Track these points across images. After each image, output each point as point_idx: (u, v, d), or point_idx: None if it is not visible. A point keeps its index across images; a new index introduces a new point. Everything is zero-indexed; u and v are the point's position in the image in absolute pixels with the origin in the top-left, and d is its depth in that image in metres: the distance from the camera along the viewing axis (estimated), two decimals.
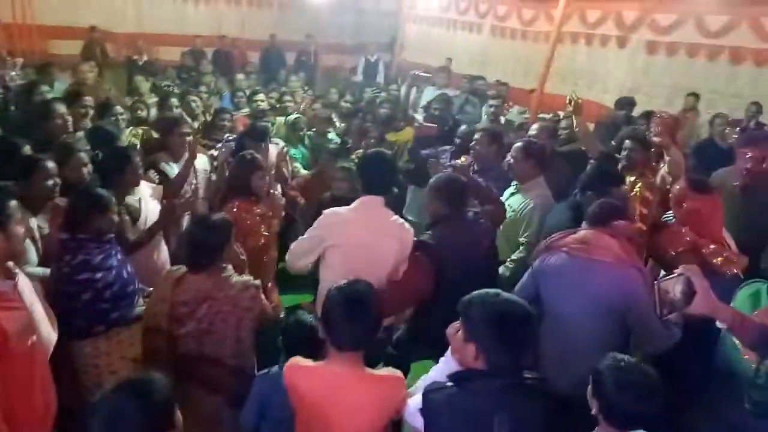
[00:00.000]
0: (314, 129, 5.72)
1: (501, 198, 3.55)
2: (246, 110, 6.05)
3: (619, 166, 4.05)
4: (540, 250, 2.68)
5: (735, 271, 2.60)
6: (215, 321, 2.38)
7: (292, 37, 11.71)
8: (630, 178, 3.96)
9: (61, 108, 3.91)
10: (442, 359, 1.89)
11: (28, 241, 2.74)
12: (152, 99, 6.00)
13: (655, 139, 4.09)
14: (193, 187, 4.01)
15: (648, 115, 5.87)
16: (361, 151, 4.85)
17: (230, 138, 4.66)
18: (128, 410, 1.44)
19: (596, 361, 1.79)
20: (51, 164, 2.92)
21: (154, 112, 5.48)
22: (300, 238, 2.94)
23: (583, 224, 2.64)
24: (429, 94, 7.45)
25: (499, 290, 1.77)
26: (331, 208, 2.86)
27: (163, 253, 3.40)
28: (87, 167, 3.28)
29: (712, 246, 2.66)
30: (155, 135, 4.53)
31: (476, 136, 4.09)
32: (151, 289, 2.77)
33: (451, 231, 2.89)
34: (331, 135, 5.69)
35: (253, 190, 3.39)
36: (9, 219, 1.89)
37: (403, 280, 2.80)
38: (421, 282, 2.80)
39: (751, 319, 1.82)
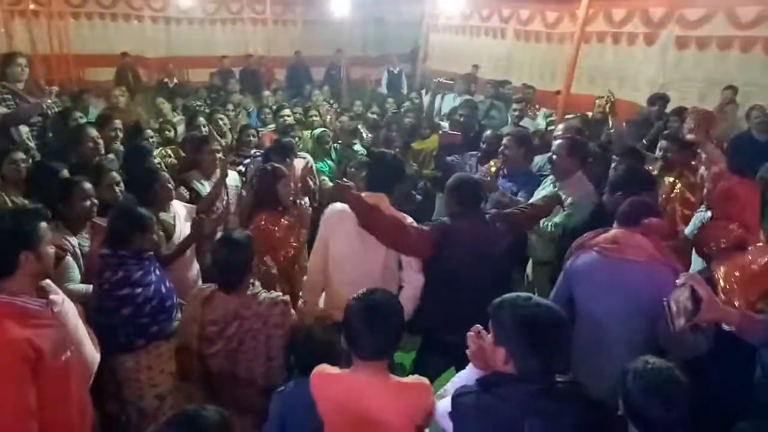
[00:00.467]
0: (340, 141, 5.77)
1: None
2: (272, 126, 6.14)
3: (656, 167, 3.95)
4: (571, 251, 2.64)
5: None
6: (245, 339, 2.37)
7: (317, 52, 11.89)
8: (669, 179, 3.86)
9: (93, 132, 4.06)
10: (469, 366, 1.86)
11: (70, 259, 2.86)
12: (177, 119, 6.13)
13: (689, 136, 3.98)
14: (224, 203, 4.09)
15: (680, 112, 5.73)
16: None
17: (257, 154, 4.74)
18: None
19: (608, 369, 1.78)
20: (88, 185, 3.04)
21: (181, 130, 5.61)
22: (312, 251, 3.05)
23: (615, 224, 2.58)
24: (449, 101, 7.43)
25: (530, 294, 1.74)
26: (331, 206, 2.97)
27: (195, 268, 3.46)
28: (119, 186, 3.38)
29: (759, 243, 2.53)
30: (182, 153, 4.64)
31: (504, 140, 4.03)
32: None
33: (460, 224, 2.87)
34: (357, 147, 5.72)
35: (279, 200, 3.42)
36: (40, 240, 1.96)
37: (400, 224, 2.80)
38: (413, 234, 2.79)
39: (757, 317, 1.81)
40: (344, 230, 2.87)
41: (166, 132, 5.26)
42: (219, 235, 3.77)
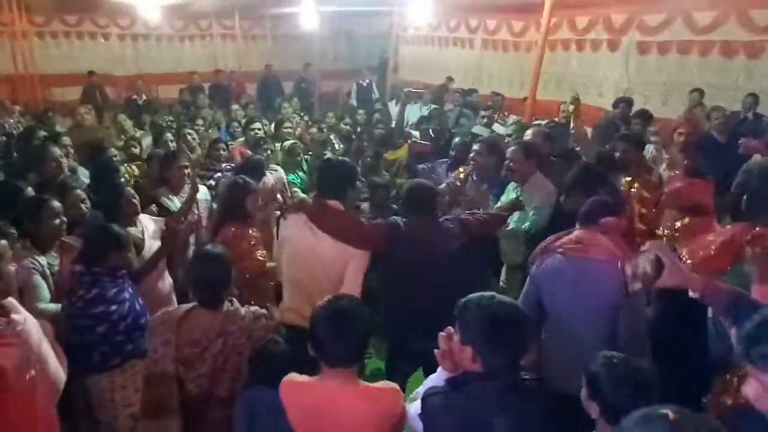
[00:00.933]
0: (311, 153, 5.78)
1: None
2: (242, 139, 6.12)
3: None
4: (536, 255, 2.68)
5: None
6: (230, 356, 2.30)
7: (287, 66, 11.91)
8: (626, 179, 3.95)
9: (56, 151, 4.02)
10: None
11: (39, 279, 2.81)
12: (140, 134, 6.08)
13: (654, 138, 4.10)
14: (195, 217, 4.06)
15: (643, 114, 5.88)
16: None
17: (228, 168, 4.72)
18: None
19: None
20: (57, 204, 3.00)
21: (146, 145, 5.58)
22: None
23: (576, 224, 2.63)
24: (415, 111, 7.52)
25: (494, 293, 1.76)
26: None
27: (167, 281, 3.42)
28: (85, 203, 3.34)
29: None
30: (135, 170, 4.62)
31: (475, 146, 4.09)
32: None
33: (411, 225, 2.92)
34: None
35: (247, 213, 3.42)
36: (0, 259, 1.91)
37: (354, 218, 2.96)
38: (369, 225, 2.95)
39: (721, 285, 1.83)
40: (294, 238, 2.94)
41: (132, 149, 5.21)
42: (192, 249, 3.77)
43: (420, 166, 4.51)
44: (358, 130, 6.64)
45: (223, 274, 2.38)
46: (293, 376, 1.92)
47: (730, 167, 3.38)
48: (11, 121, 5.01)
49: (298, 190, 5.11)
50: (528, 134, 4.61)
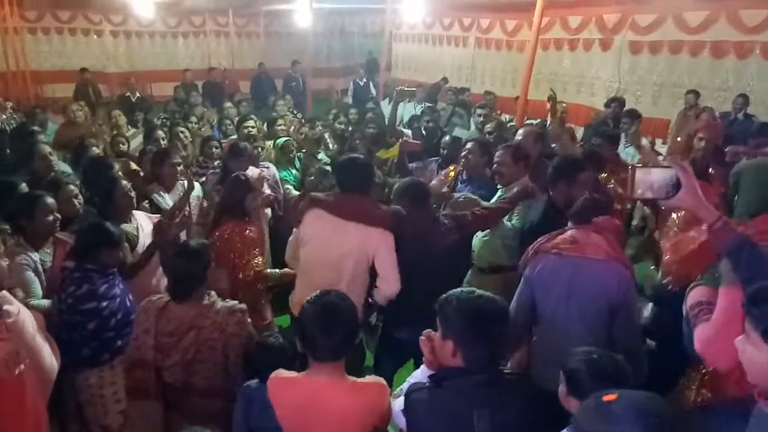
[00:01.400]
0: (304, 150, 5.78)
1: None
2: (234, 137, 6.11)
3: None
4: (528, 257, 2.64)
5: None
6: (202, 349, 2.35)
7: (281, 64, 11.92)
8: (602, 176, 3.98)
9: (45, 148, 4.02)
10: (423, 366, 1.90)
11: (32, 275, 2.81)
12: (131, 132, 6.06)
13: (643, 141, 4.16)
14: (186, 214, 4.06)
15: (632, 113, 5.92)
16: None
17: (218, 165, 4.73)
18: None
19: None
20: (51, 200, 2.99)
21: (137, 144, 5.57)
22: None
23: (569, 223, 2.63)
24: (409, 109, 7.54)
25: (474, 288, 1.80)
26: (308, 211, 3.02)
27: (160, 278, 3.42)
28: (78, 199, 3.34)
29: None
30: (133, 166, 4.60)
31: (468, 145, 4.11)
32: None
33: (410, 217, 2.97)
34: (321, 156, 5.75)
35: (245, 210, 3.43)
36: None
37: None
38: (388, 210, 2.98)
39: (733, 225, 1.76)
40: (313, 231, 2.96)
41: (120, 145, 5.19)
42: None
43: (411, 165, 4.52)
44: (350, 129, 6.63)
45: (196, 269, 2.40)
46: (280, 372, 1.95)
47: None
48: (3, 117, 5.01)
49: (291, 187, 5.12)
50: (519, 134, 4.64)
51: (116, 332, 2.68)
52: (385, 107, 8.01)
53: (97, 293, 2.62)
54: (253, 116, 6.36)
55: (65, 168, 4.38)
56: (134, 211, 3.44)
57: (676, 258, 2.37)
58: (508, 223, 3.51)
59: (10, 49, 10.46)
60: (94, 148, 4.53)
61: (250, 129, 5.72)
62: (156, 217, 3.56)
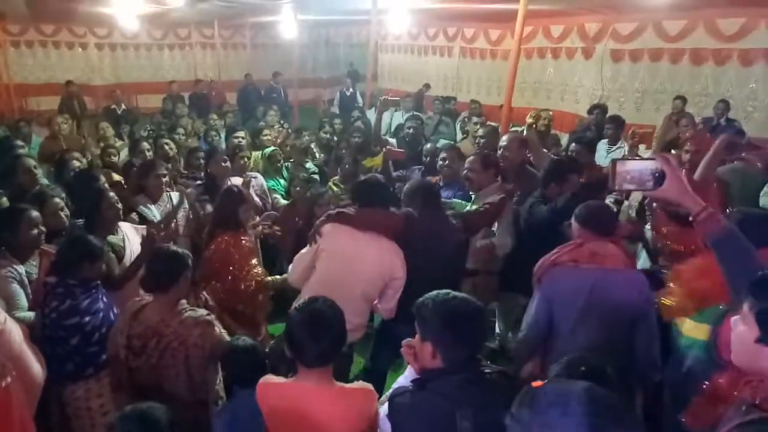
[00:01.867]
0: (292, 160, 5.81)
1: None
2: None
3: None
4: (541, 271, 2.57)
5: None
6: (164, 356, 2.38)
7: (267, 75, 11.93)
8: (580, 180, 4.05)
9: (29, 162, 4.01)
10: (408, 368, 1.92)
11: (17, 287, 2.81)
12: (118, 144, 6.04)
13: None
14: (173, 226, 4.06)
15: (615, 119, 6.02)
16: (336, 177, 4.95)
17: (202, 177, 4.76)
18: None
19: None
20: (35, 214, 2.98)
21: (123, 156, 5.56)
22: (300, 253, 3.08)
23: (574, 226, 2.57)
24: (398, 118, 7.60)
25: (449, 290, 1.82)
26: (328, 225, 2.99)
27: None
28: (63, 212, 3.32)
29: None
30: (116, 177, 4.60)
31: (443, 154, 4.19)
32: None
33: (424, 217, 3.02)
34: (309, 165, 5.78)
35: (240, 222, 3.44)
36: None
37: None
38: (394, 215, 3.04)
39: (719, 216, 1.76)
40: (334, 247, 2.94)
41: (111, 156, 5.18)
42: None
43: (395, 173, 4.57)
44: (335, 138, 6.68)
45: (172, 268, 2.44)
46: (269, 378, 1.96)
47: None
48: None
49: (279, 196, 5.14)
50: (504, 140, 4.69)
51: (100, 347, 2.65)
52: (372, 117, 8.06)
53: (79, 308, 2.60)
54: (241, 127, 6.40)
55: (44, 182, 4.36)
56: (120, 223, 3.44)
57: (678, 288, 2.31)
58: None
59: None
60: (75, 161, 4.50)
61: (240, 139, 5.75)
62: (143, 228, 3.55)
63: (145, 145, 5.22)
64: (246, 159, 4.97)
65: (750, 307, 1.39)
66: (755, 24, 7.07)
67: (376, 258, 2.90)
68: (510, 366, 3.88)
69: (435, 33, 12.78)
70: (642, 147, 7.50)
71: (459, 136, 7.51)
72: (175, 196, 4.18)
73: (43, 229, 2.99)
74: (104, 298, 2.77)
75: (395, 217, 3.00)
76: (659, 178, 1.73)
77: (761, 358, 1.38)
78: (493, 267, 3.72)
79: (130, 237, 3.41)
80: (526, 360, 2.64)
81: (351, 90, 11.02)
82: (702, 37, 7.67)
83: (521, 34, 5.08)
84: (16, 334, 2.05)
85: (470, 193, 3.84)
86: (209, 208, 4.20)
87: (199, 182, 4.77)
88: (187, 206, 4.32)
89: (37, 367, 2.14)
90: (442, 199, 3.73)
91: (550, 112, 6.67)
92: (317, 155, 6.28)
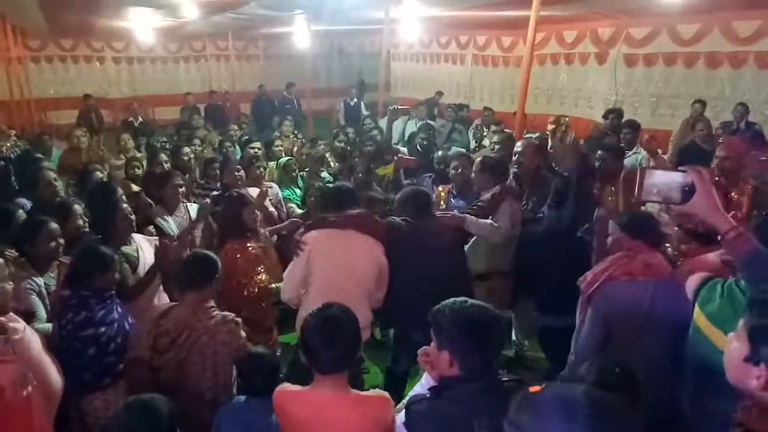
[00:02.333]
0: (307, 169, 5.84)
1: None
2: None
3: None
4: (595, 283, 2.46)
5: None
6: (193, 351, 2.43)
7: (281, 85, 12.03)
8: (611, 188, 4.00)
9: (49, 174, 4.07)
10: (425, 375, 1.91)
11: (36, 299, 2.85)
12: (139, 155, 6.15)
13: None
14: (191, 237, 4.10)
15: (632, 124, 5.96)
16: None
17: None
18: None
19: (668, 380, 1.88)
20: (54, 226, 3.02)
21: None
22: (288, 267, 3.15)
23: (623, 237, 2.49)
24: (411, 127, 7.61)
25: (466, 298, 1.81)
26: (312, 232, 3.11)
27: (162, 299, 3.44)
28: (82, 219, 3.38)
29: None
30: (135, 188, 4.66)
31: (454, 162, 4.19)
32: None
33: (415, 223, 3.17)
34: (324, 174, 5.81)
35: (245, 226, 3.47)
36: None
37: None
38: (368, 213, 3.20)
39: (749, 235, 1.70)
40: (332, 257, 3.03)
41: (135, 169, 5.26)
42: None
43: (405, 181, 4.58)
44: (349, 147, 6.72)
45: (199, 271, 2.56)
46: (286, 386, 1.97)
47: None
48: (8, 145, 5.10)
49: (294, 205, 5.16)
50: (518, 146, 4.68)
51: (116, 356, 2.68)
52: (384, 125, 8.10)
53: (94, 320, 2.62)
54: (257, 138, 6.47)
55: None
56: (134, 234, 3.47)
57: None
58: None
59: (14, 78, 10.61)
60: (98, 173, 4.58)
61: (256, 150, 5.81)
62: (156, 239, 3.59)
63: (163, 156, 5.28)
64: (262, 169, 5.00)
65: (744, 323, 1.37)
66: None
67: (365, 250, 3.05)
68: (527, 374, 3.92)
69: (447, 41, 12.82)
70: (659, 152, 7.45)
71: (472, 144, 7.51)
72: (191, 207, 4.21)
73: (62, 241, 3.03)
74: (119, 308, 2.79)
75: (371, 216, 3.17)
76: (688, 192, 1.65)
77: (748, 376, 1.36)
78: (503, 267, 3.73)
79: (144, 248, 3.44)
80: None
81: (355, 100, 11.05)
82: (717, 40, 7.60)
83: (533, 41, 5.08)
84: (35, 342, 2.09)
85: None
86: None
87: (215, 192, 4.82)
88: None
89: (55, 376, 2.17)
90: (455, 208, 3.76)
91: (567, 118, 6.68)
92: (332, 164, 6.31)
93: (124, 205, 3.40)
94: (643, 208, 3.55)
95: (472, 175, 3.84)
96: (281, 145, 6.45)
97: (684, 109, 7.68)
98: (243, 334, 2.52)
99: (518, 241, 3.73)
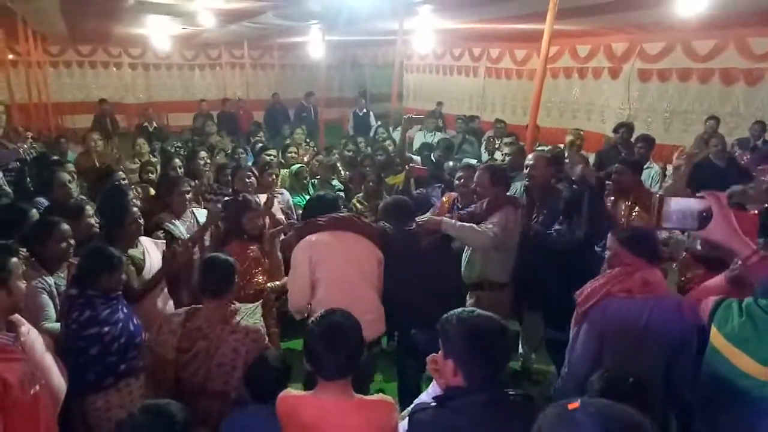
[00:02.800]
0: (318, 177, 5.89)
1: None
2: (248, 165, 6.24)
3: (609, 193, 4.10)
4: (593, 299, 2.44)
5: None
6: (223, 346, 2.48)
7: (294, 94, 12.16)
8: (626, 203, 3.98)
9: (64, 176, 4.12)
10: (432, 384, 1.91)
11: (46, 298, 2.87)
12: (154, 160, 6.22)
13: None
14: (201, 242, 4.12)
15: (646, 138, 5.93)
16: (360, 194, 4.99)
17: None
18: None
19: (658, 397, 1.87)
20: (65, 227, 3.05)
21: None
22: (289, 279, 3.16)
23: (622, 253, 2.44)
24: (420, 137, 7.64)
25: (474, 308, 1.81)
26: (307, 237, 3.14)
27: (167, 302, 3.46)
28: (93, 219, 3.42)
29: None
30: (153, 192, 4.70)
31: (459, 173, 4.19)
32: None
33: (398, 232, 3.30)
34: (335, 182, 5.85)
35: (246, 230, 3.49)
36: (10, 275, 1.99)
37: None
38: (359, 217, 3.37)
39: None
40: (334, 256, 3.07)
41: (149, 174, 5.32)
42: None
43: (416, 192, 4.59)
44: (359, 157, 6.77)
45: (227, 274, 2.61)
46: (289, 392, 1.97)
47: None
48: (24, 146, 5.19)
49: None
50: (530, 158, 4.67)
51: (119, 357, 2.69)
52: (397, 136, 8.14)
53: (98, 318, 2.64)
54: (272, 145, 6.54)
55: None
56: (141, 237, 3.50)
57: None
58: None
59: (33, 82, 10.78)
60: (121, 174, 4.70)
61: (273, 157, 5.88)
62: (162, 242, 3.62)
63: (177, 161, 5.33)
64: (275, 176, 5.04)
65: None
66: None
67: (364, 245, 3.13)
68: (533, 388, 3.88)
69: (460, 53, 12.86)
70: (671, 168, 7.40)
71: (484, 156, 7.51)
72: (199, 212, 4.24)
73: (72, 242, 3.06)
74: (124, 309, 2.81)
75: (359, 218, 3.27)
76: (706, 218, 1.66)
77: None
78: (499, 278, 3.65)
79: (150, 251, 3.47)
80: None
81: (364, 110, 11.10)
82: (732, 56, 7.55)
83: (547, 54, 5.07)
84: (39, 344, 2.10)
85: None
86: None
87: (226, 198, 4.85)
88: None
89: (57, 378, 2.18)
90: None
91: (581, 132, 6.66)
92: (342, 173, 6.35)
93: (134, 209, 3.44)
94: None
95: (473, 181, 3.77)
96: (295, 152, 6.51)
97: (697, 125, 7.62)
98: (266, 339, 2.59)
99: (528, 254, 3.69)
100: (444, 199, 4.25)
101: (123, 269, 2.86)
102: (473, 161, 6.67)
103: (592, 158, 6.95)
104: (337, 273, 3.03)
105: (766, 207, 2.91)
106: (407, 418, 1.79)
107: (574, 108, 10.11)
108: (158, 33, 10.12)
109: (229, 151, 7.17)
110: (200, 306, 2.63)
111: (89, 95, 14.22)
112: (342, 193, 5.54)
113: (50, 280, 2.95)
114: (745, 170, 5.57)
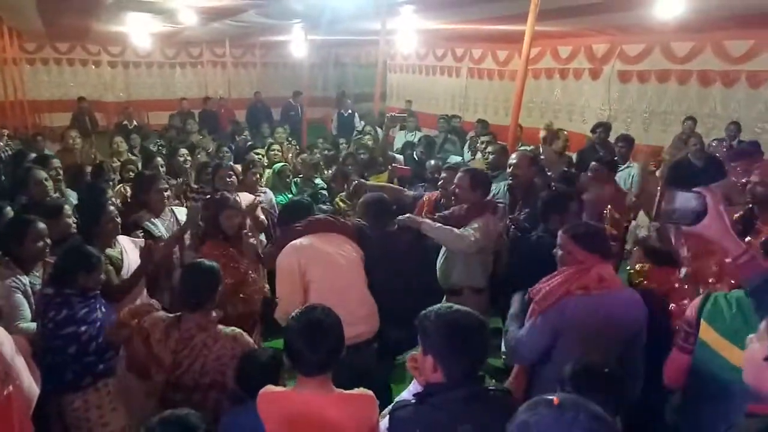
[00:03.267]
0: (301, 176, 5.86)
1: None
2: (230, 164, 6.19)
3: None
4: (550, 298, 2.42)
5: None
6: (208, 361, 2.43)
7: (276, 93, 12.09)
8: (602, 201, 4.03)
9: (40, 174, 4.04)
10: (413, 381, 1.91)
11: (21, 297, 2.82)
12: (134, 158, 6.14)
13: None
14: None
15: (626, 138, 6.02)
16: (343, 193, 4.97)
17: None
18: None
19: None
20: (42, 226, 2.99)
21: None
22: (277, 286, 3.06)
23: (575, 250, 2.44)
24: (401, 137, 7.65)
25: (452, 303, 1.82)
26: (290, 243, 3.08)
27: (146, 301, 3.41)
28: (71, 219, 3.37)
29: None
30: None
31: (442, 174, 4.20)
32: None
33: (377, 230, 3.31)
34: (318, 181, 5.83)
35: (222, 229, 3.46)
36: None
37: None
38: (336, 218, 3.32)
39: (761, 259, 1.71)
40: (322, 256, 3.03)
41: (130, 173, 5.24)
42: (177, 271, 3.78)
43: (412, 193, 4.59)
44: (340, 156, 6.77)
45: (209, 283, 2.51)
46: (270, 388, 1.96)
47: None
48: (0, 144, 5.10)
49: None
50: (513, 158, 4.69)
51: (97, 356, 2.67)
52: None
53: (76, 317, 2.61)
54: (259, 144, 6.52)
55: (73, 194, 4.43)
56: (119, 237, 3.45)
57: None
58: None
59: (9, 79, 10.58)
60: (111, 173, 4.63)
61: (261, 156, 5.85)
62: (140, 241, 3.56)
63: (159, 160, 5.26)
64: (258, 175, 5.01)
65: (766, 325, 1.38)
66: (763, 46, 7.08)
67: (347, 245, 3.12)
68: None
69: (443, 53, 12.89)
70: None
71: (467, 155, 7.54)
72: (178, 210, 4.18)
73: (49, 241, 3.01)
74: (103, 308, 2.78)
75: (335, 218, 3.27)
76: (700, 213, 1.68)
77: (765, 376, 1.36)
78: (478, 283, 3.61)
79: (128, 250, 3.42)
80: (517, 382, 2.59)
81: (349, 111, 11.08)
82: (710, 58, 7.68)
83: (528, 55, 5.11)
84: (8, 346, 2.05)
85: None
86: None
87: (207, 196, 4.80)
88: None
89: (28, 381, 2.13)
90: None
91: (566, 132, 6.72)
92: (325, 171, 6.34)
93: (111, 207, 3.38)
94: None
95: (457, 189, 3.67)
96: (279, 150, 6.49)
97: (676, 126, 7.74)
98: (251, 340, 2.54)
99: (511, 254, 3.72)
100: (425, 198, 4.25)
101: (102, 268, 2.82)
102: (458, 158, 6.69)
103: (574, 157, 7.02)
104: (328, 272, 2.98)
105: (749, 207, 2.96)
106: (388, 416, 1.79)
107: (555, 108, 10.20)
108: (139, 30, 9.99)
109: (212, 150, 7.10)
110: (179, 315, 2.53)
111: (67, 93, 13.99)
112: (325, 192, 5.52)
113: (25, 279, 2.90)
114: (724, 169, 5.67)
